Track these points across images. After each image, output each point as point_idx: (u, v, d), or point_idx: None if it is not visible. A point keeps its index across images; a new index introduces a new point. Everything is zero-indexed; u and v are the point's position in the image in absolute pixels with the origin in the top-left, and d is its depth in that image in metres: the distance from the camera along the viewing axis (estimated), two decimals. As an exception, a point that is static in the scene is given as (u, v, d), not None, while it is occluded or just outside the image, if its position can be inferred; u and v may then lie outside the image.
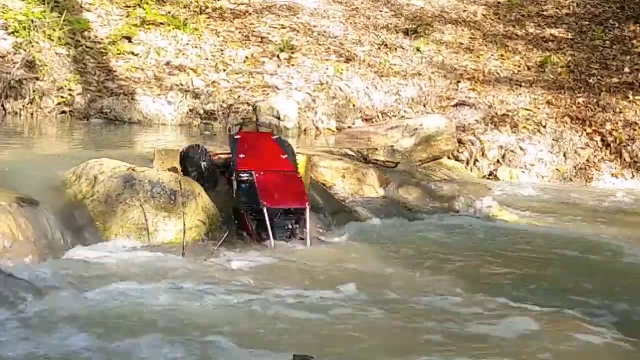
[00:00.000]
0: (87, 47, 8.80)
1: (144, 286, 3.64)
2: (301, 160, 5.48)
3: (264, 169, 4.53)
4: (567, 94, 9.05)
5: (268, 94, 8.58)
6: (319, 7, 10.36)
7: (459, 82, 9.16)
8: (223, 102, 8.46)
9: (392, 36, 9.90)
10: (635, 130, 8.55)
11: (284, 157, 4.75)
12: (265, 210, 4.32)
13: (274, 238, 4.37)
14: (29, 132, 7.70)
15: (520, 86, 9.16)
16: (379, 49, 9.63)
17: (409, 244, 4.97)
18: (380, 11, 10.51)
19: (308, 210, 4.42)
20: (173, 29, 9.28)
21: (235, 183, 4.55)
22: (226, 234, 4.47)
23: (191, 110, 8.39)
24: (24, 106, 7.99)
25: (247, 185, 4.47)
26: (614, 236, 5.62)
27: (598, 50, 9.92)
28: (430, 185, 6.42)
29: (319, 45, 9.54)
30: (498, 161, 8.23)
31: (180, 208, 4.39)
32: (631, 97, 8.95)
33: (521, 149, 8.29)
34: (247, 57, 9.15)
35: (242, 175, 4.46)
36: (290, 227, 4.45)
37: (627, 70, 9.49)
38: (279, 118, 8.20)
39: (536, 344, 3.32)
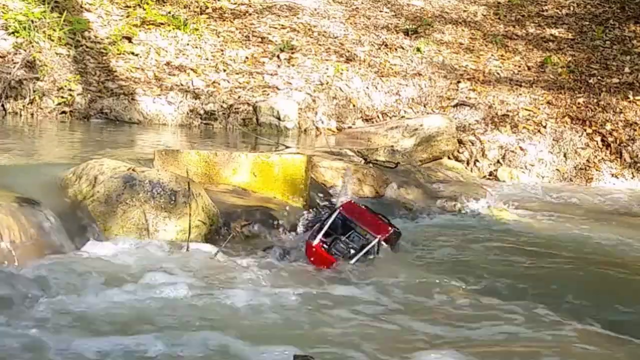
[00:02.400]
0: (87, 47, 8.80)
1: (144, 286, 3.65)
2: (301, 160, 5.49)
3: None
4: (567, 94, 9.05)
5: (268, 94, 8.58)
6: (319, 7, 10.37)
7: (459, 82, 9.16)
8: (223, 102, 8.46)
9: (392, 36, 9.91)
10: (635, 130, 8.55)
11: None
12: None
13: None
14: (29, 132, 7.70)
15: (520, 86, 9.16)
16: (379, 49, 9.64)
17: (408, 244, 4.98)
18: (380, 11, 10.52)
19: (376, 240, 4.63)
20: (173, 29, 9.29)
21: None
22: (231, 235, 4.47)
23: (191, 110, 8.39)
24: (24, 106, 7.99)
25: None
26: (614, 236, 5.62)
27: (598, 50, 9.93)
28: (431, 185, 6.43)
29: (319, 45, 9.55)
30: (498, 161, 8.23)
31: (180, 208, 4.39)
32: (631, 97, 8.95)
33: (521, 149, 8.29)
34: (247, 57, 9.15)
35: None
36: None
37: (627, 70, 9.50)
38: (279, 118, 8.21)
39: (536, 344, 3.32)
